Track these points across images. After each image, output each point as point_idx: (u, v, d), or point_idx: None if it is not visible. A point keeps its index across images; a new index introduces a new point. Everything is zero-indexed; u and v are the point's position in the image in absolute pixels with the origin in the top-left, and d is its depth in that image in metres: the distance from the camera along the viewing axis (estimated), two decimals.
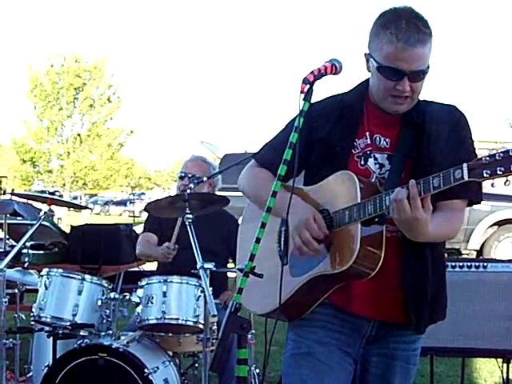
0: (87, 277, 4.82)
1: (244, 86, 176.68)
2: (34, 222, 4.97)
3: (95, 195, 65.46)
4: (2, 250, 6.49)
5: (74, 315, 4.69)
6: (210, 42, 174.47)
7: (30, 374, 5.26)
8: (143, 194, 70.56)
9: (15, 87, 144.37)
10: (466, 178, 2.45)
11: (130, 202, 53.40)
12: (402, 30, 2.78)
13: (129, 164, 46.55)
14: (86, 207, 10.78)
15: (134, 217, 27.49)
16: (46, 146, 44.91)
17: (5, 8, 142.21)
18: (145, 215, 6.35)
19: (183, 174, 5.59)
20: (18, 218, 7.70)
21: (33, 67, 43.52)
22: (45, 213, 4.96)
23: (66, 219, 32.64)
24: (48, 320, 4.74)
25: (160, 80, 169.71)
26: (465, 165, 2.46)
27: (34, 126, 44.04)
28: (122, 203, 60.13)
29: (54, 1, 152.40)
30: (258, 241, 2.59)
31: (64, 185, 44.87)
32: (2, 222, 6.61)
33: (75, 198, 53.68)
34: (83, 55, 44.54)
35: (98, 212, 59.40)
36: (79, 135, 44.79)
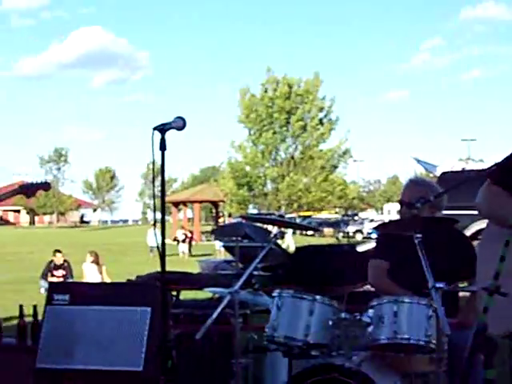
0: (318, 297, 4.86)
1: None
2: (263, 245, 5.10)
3: (309, 217, 66.17)
4: (234, 272, 6.67)
5: (306, 335, 4.75)
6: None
7: None
8: (356, 214, 70.60)
9: (227, 113, 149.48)
10: None
11: (344, 223, 53.49)
12: None
13: (342, 185, 46.67)
14: (316, 229, 10.98)
15: (348, 237, 27.68)
16: (261, 169, 45.90)
17: (219, 39, 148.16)
18: (359, 236, 6.37)
19: (401, 202, 5.65)
20: (245, 240, 7.87)
21: (247, 93, 44.82)
22: (275, 235, 5.09)
23: (280, 240, 33.13)
24: (281, 340, 4.83)
25: (370, 97, 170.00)
26: None
27: (249, 151, 45.14)
28: (336, 224, 60.33)
29: (267, 29, 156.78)
30: (502, 259, 2.55)
31: (279, 207, 45.63)
32: (233, 244, 6.76)
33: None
34: (295, 79, 45.30)
35: (312, 233, 59.97)
36: (293, 158, 45.49)
